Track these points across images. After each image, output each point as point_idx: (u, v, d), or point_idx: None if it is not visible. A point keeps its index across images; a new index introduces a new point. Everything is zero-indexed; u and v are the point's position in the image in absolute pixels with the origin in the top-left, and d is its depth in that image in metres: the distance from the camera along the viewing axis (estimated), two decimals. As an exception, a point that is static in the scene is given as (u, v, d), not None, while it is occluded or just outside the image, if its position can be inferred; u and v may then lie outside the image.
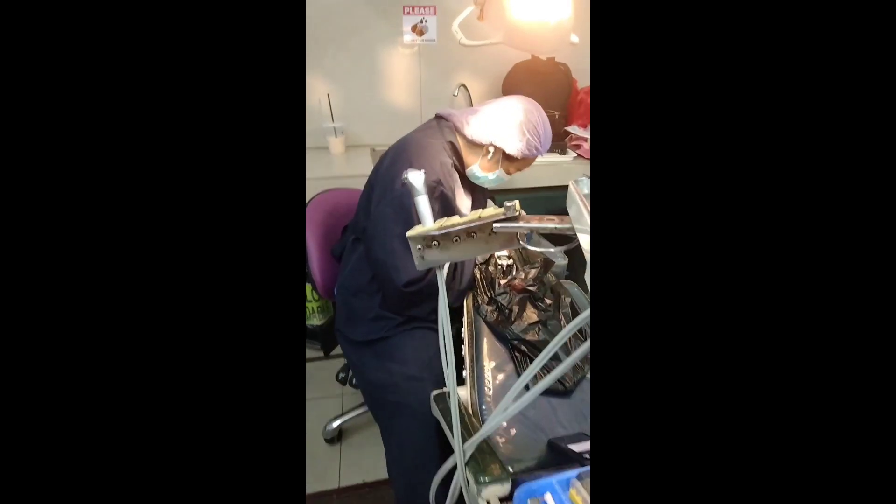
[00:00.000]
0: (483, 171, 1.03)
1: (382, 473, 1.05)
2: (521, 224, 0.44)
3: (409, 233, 0.50)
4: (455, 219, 0.50)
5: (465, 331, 0.99)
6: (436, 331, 0.92)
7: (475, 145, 1.01)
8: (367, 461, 1.33)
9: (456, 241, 0.48)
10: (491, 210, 0.49)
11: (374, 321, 1.00)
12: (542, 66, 1.63)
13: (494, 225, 0.45)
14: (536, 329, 0.93)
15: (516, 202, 0.46)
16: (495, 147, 0.99)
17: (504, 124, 0.97)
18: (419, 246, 0.49)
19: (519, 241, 0.46)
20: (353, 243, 1.07)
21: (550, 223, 0.42)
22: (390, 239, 0.93)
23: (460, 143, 1.02)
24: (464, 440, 0.67)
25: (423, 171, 0.52)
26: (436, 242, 0.48)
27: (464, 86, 1.69)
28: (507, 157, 1.00)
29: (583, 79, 1.73)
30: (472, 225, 0.46)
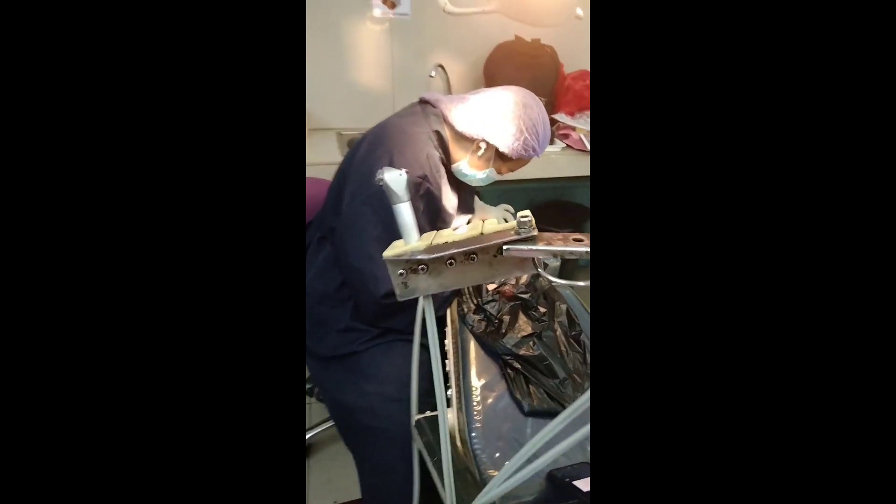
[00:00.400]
0: (472, 169, 0.91)
1: (356, 493, 0.94)
2: (540, 247, 0.33)
3: (387, 253, 0.38)
4: (447, 234, 0.38)
5: (449, 343, 0.88)
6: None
7: (464, 139, 0.89)
8: (338, 480, 1.22)
9: (450, 264, 0.36)
10: (493, 223, 0.37)
11: (343, 333, 0.88)
12: (527, 47, 1.51)
13: (504, 247, 0.34)
14: (531, 343, 0.83)
15: (530, 216, 0.34)
16: (488, 143, 0.86)
17: (500, 119, 0.85)
18: (401, 271, 0.37)
19: (536, 266, 0.35)
20: (318, 242, 0.93)
21: (579, 245, 0.31)
22: (367, 242, 0.80)
23: (448, 135, 0.89)
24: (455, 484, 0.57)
25: (403, 170, 0.39)
26: (423, 267, 0.36)
27: (441, 66, 1.55)
28: (500, 156, 0.88)
29: (569, 63, 1.62)
30: (473, 247, 0.35)
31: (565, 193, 2.04)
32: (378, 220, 0.80)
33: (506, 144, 0.85)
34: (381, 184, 0.39)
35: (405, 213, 0.38)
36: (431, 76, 1.51)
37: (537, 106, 0.87)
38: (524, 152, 0.87)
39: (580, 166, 1.49)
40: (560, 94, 1.60)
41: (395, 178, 0.38)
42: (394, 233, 0.85)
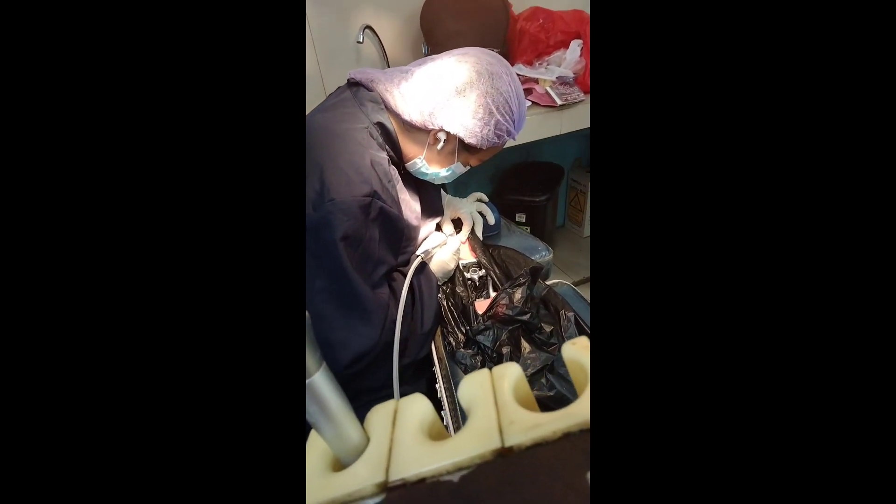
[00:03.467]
0: (432, 167, 0.69)
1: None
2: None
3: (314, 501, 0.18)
4: (412, 440, 0.19)
5: (441, 389, 0.71)
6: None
7: (416, 129, 0.66)
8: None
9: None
10: (527, 422, 0.18)
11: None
12: (467, -12, 1.26)
13: None
14: (542, 381, 0.66)
15: None
16: (448, 134, 0.65)
17: (459, 99, 0.62)
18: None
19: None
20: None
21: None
22: (311, 297, 0.60)
23: (394, 126, 0.67)
24: None
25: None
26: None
27: (369, 27, 1.28)
28: (467, 147, 0.67)
29: (518, 2, 1.38)
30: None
31: (532, 153, 1.85)
32: (318, 266, 0.59)
33: (472, 133, 0.64)
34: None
35: (318, 389, 0.18)
36: (360, 42, 1.24)
37: (507, 73, 0.65)
38: (496, 139, 0.66)
39: (551, 125, 1.29)
40: (513, 41, 1.37)
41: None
42: (340, 279, 0.64)
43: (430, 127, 0.64)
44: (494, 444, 0.16)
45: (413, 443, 0.17)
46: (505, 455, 0.16)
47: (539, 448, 0.16)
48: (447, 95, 0.62)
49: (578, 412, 0.16)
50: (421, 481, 0.16)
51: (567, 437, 0.15)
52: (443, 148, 0.66)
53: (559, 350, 0.71)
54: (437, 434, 0.19)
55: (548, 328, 0.73)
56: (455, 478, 0.15)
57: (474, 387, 0.19)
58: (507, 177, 1.77)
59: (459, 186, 1.67)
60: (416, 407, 0.19)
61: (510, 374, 0.19)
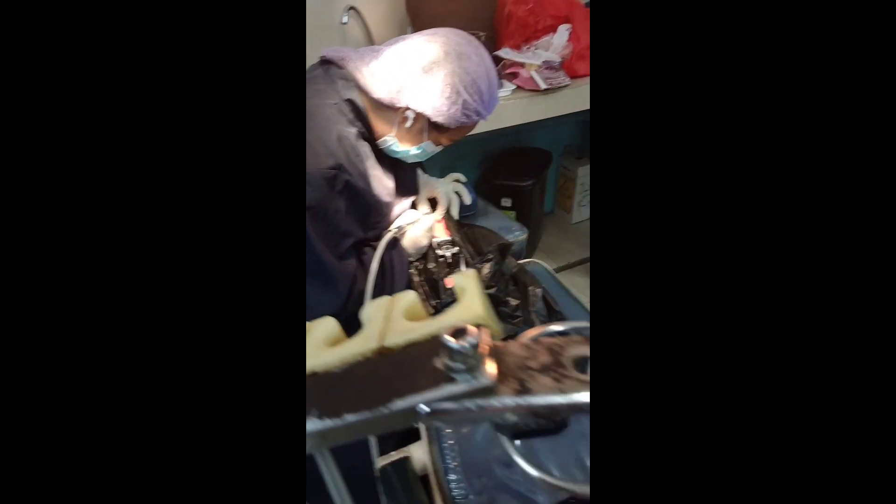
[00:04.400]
0: (402, 145, 0.72)
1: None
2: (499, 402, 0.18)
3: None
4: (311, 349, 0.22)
5: (409, 358, 0.74)
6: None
7: (385, 108, 0.69)
8: None
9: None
10: (404, 329, 0.21)
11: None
12: (454, -29, 1.26)
13: (421, 408, 0.18)
14: (504, 348, 0.69)
15: (476, 339, 0.19)
16: (416, 112, 0.67)
17: (425, 78, 0.64)
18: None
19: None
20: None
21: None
22: (310, 257, 0.62)
23: (364, 103, 0.69)
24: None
25: None
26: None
27: (354, 8, 1.28)
28: (435, 126, 0.69)
29: (506, -16, 1.38)
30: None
31: (521, 139, 1.87)
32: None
33: (438, 111, 0.66)
34: None
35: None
36: (344, 22, 1.25)
37: (476, 53, 0.67)
38: (465, 118, 0.68)
39: (535, 110, 1.31)
40: (501, 24, 1.37)
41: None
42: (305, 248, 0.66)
43: (398, 105, 0.66)
44: (375, 344, 0.19)
45: (314, 349, 0.20)
46: (384, 354, 0.19)
47: (411, 347, 0.18)
48: (414, 73, 0.64)
49: (447, 320, 0.19)
50: (313, 374, 0.19)
51: (434, 339, 0.18)
52: (412, 126, 0.68)
53: (524, 322, 0.74)
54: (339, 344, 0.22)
55: (514, 302, 0.76)
56: (339, 370, 0.18)
57: (373, 307, 0.22)
58: (495, 162, 1.79)
59: (445, 169, 1.69)
60: (324, 325, 0.22)
61: (406, 298, 0.22)
